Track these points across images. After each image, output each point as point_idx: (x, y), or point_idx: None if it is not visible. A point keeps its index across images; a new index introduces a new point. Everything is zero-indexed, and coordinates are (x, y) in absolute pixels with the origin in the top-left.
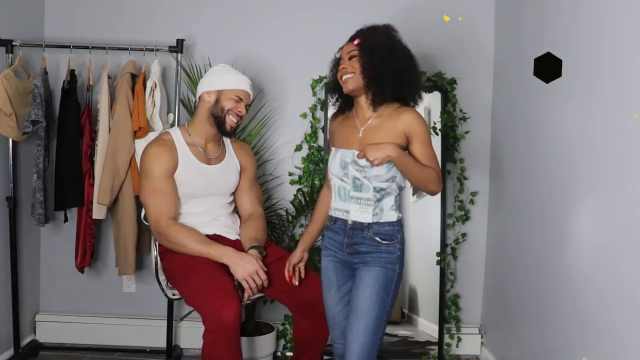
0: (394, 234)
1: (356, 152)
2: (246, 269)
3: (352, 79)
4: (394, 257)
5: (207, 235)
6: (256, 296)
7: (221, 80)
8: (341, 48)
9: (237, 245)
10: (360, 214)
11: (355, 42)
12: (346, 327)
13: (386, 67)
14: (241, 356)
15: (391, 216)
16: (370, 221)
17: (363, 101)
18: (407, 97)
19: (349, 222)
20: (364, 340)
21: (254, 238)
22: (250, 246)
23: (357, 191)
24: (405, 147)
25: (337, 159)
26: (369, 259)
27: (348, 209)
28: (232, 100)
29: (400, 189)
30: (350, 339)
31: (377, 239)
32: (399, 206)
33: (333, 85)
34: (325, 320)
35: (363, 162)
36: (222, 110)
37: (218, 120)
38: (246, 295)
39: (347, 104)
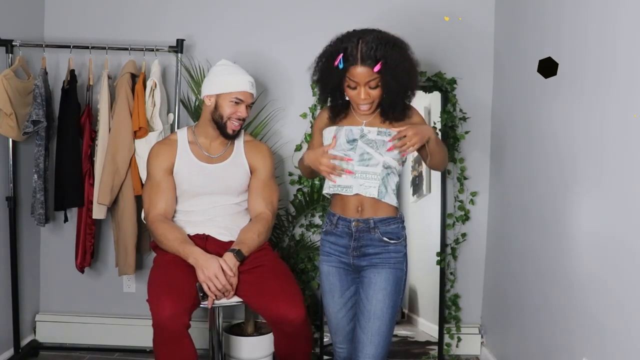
0: (399, 231)
1: (365, 128)
2: (205, 271)
3: (372, 106)
4: (401, 256)
5: (197, 235)
6: (231, 301)
7: (220, 83)
8: (346, 60)
9: (226, 246)
10: (365, 188)
11: (376, 68)
12: (356, 330)
13: (405, 87)
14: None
15: (392, 200)
16: (376, 196)
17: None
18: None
19: (353, 224)
20: (379, 342)
21: (240, 241)
22: (230, 249)
23: (364, 165)
24: None
25: (343, 134)
26: (377, 260)
27: (351, 184)
28: (231, 104)
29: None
30: (363, 342)
31: (385, 239)
32: (397, 196)
33: (330, 93)
34: (300, 339)
35: (373, 135)
36: (221, 117)
37: (219, 125)
38: (209, 299)
39: (342, 107)
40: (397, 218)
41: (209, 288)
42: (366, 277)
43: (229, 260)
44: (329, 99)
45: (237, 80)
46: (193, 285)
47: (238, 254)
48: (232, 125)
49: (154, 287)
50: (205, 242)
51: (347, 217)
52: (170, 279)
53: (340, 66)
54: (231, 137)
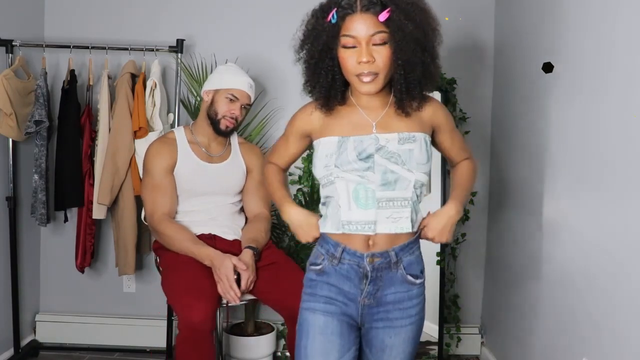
0: (421, 260)
1: (379, 136)
2: (217, 271)
3: (378, 79)
4: (423, 299)
5: (202, 235)
6: (248, 298)
7: (219, 80)
8: (335, 8)
9: (234, 245)
10: (393, 222)
11: (382, 16)
12: None
13: (425, 48)
14: (213, 359)
15: (419, 220)
16: (410, 230)
17: (376, 97)
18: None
19: (367, 260)
20: None
21: (252, 239)
22: (246, 246)
23: (390, 189)
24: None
25: (351, 148)
26: (396, 314)
27: (374, 219)
28: (226, 100)
29: None
30: None
31: (410, 278)
32: None
33: (317, 62)
34: None
35: (394, 145)
36: (215, 113)
37: (212, 121)
38: (233, 297)
39: (336, 91)
40: (417, 240)
41: (222, 289)
42: (378, 339)
43: (248, 258)
44: (318, 77)
45: (234, 78)
46: (215, 285)
47: (255, 251)
48: (225, 122)
49: (179, 289)
50: (214, 242)
51: (357, 252)
52: (194, 281)
53: (333, 20)
54: (223, 134)
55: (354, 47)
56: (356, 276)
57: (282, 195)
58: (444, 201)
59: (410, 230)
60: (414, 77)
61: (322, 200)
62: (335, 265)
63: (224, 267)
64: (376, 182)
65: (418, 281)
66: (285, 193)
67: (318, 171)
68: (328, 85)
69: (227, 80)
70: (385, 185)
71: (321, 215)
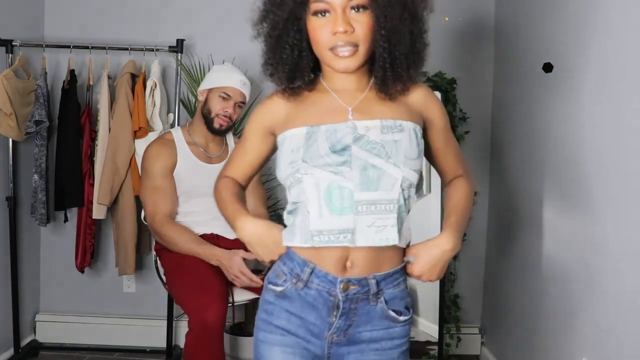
0: (407, 295)
1: (358, 123)
2: (230, 270)
3: (358, 53)
4: (407, 341)
5: (205, 234)
6: (248, 298)
7: (212, 79)
8: None
9: (235, 244)
10: (376, 232)
11: None
12: None
13: (413, 20)
14: (223, 358)
15: (405, 238)
16: (397, 242)
17: (353, 79)
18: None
19: (340, 287)
20: None
21: None
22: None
23: (372, 189)
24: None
25: (323, 139)
26: (373, 356)
27: (352, 226)
28: (219, 98)
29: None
30: None
31: (392, 313)
32: None
33: (280, 34)
34: None
35: (376, 133)
36: (209, 112)
37: (206, 120)
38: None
39: (300, 74)
40: (403, 270)
41: (237, 285)
42: None
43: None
44: (281, 54)
45: (227, 76)
46: (224, 284)
47: None
48: (219, 121)
49: (189, 290)
50: (216, 241)
51: (329, 275)
52: (204, 281)
53: None
54: (218, 132)
55: (326, 12)
56: (324, 306)
57: (234, 209)
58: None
59: (396, 243)
60: (400, 50)
61: (287, 207)
62: (299, 289)
63: (235, 263)
64: (354, 180)
65: (402, 318)
66: (239, 207)
67: (282, 171)
68: (293, 63)
69: (219, 79)
70: (366, 184)
71: (286, 226)
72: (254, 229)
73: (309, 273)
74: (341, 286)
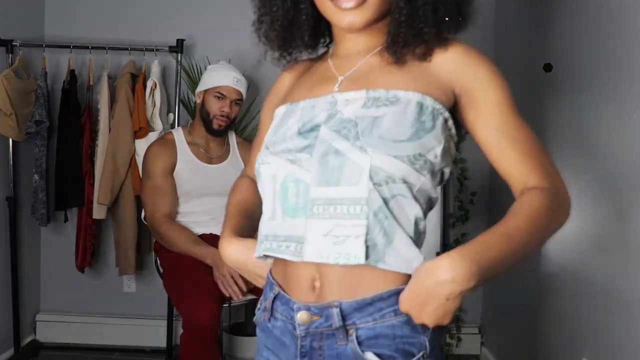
0: (412, 333)
1: (338, 96)
2: (220, 269)
3: (367, 3)
4: None
5: (204, 235)
6: (248, 298)
7: (207, 80)
8: None
9: None
10: (335, 244)
11: None
12: None
13: None
14: (218, 358)
15: (412, 259)
16: (361, 261)
17: (361, 41)
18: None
19: (298, 317)
20: None
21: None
22: None
23: (331, 182)
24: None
25: (297, 118)
26: None
27: (302, 233)
28: (215, 99)
29: (433, 197)
30: None
31: (372, 357)
32: (428, 238)
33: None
34: None
35: (355, 108)
36: (207, 114)
37: (205, 122)
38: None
39: (297, 32)
40: (395, 295)
41: (224, 286)
42: None
43: None
44: (275, 10)
45: (220, 76)
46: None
47: None
48: (217, 121)
49: (184, 290)
50: (216, 242)
51: (292, 300)
52: (199, 281)
53: None
54: (217, 133)
55: None
56: (291, 343)
57: (224, 225)
58: (444, 201)
59: (362, 262)
60: (422, 7)
61: None
62: (266, 320)
63: (225, 265)
64: (312, 170)
65: None
66: (230, 222)
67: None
68: (288, 20)
69: (213, 79)
70: (325, 176)
71: None
72: (232, 254)
73: (272, 298)
74: (299, 317)
